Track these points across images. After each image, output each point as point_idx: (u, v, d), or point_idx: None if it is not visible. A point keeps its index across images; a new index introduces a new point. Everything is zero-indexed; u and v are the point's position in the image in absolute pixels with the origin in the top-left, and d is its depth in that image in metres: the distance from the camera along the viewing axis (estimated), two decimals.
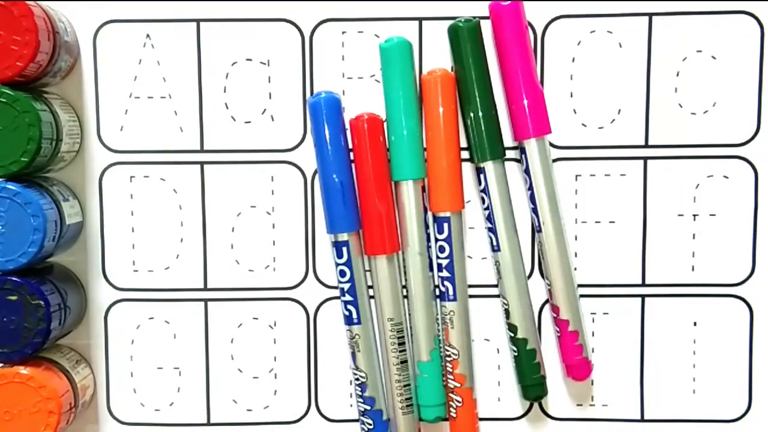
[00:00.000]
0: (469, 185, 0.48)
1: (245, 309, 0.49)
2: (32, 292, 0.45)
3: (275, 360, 0.49)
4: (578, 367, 0.48)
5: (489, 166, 0.47)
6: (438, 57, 0.48)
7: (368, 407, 0.48)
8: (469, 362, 0.48)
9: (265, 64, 0.48)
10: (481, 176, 0.47)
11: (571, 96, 0.48)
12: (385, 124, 0.47)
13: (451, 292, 0.48)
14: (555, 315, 0.48)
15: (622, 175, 0.48)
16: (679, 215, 0.49)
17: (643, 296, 0.49)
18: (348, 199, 0.47)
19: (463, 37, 0.47)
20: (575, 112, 0.48)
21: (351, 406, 0.50)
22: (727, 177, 0.48)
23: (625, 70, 0.48)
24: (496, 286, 0.49)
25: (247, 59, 0.48)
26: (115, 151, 0.49)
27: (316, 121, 0.47)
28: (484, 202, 0.48)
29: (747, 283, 0.49)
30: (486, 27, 0.47)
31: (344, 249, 0.47)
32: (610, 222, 0.49)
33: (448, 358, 0.48)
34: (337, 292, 0.49)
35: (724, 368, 0.49)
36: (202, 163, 0.49)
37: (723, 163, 0.48)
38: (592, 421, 0.50)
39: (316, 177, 0.48)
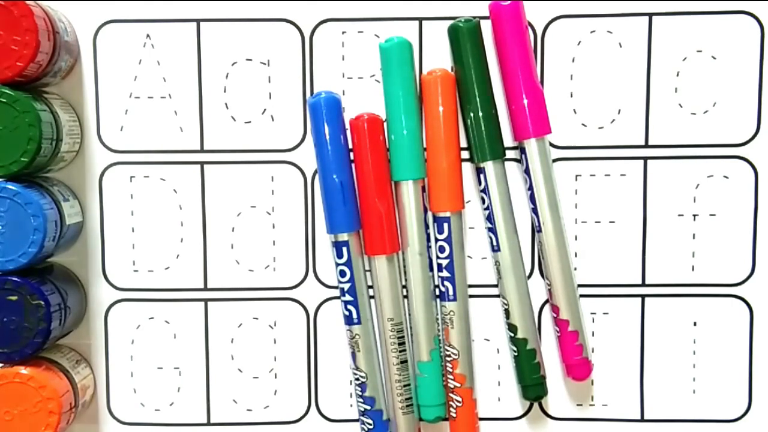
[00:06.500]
0: (469, 185, 0.48)
1: (245, 309, 0.49)
2: (32, 292, 0.45)
3: (275, 360, 0.49)
4: (578, 367, 0.48)
5: (489, 166, 0.47)
6: (438, 57, 0.48)
7: (368, 407, 0.48)
8: (469, 362, 0.48)
9: (265, 64, 0.48)
10: (481, 176, 0.47)
11: (571, 96, 0.48)
12: (385, 124, 0.47)
13: (451, 292, 0.48)
14: (555, 315, 0.48)
15: (622, 175, 0.48)
16: (679, 215, 0.49)
17: (643, 296, 0.49)
18: (348, 199, 0.47)
19: (463, 37, 0.47)
20: (575, 112, 0.48)
21: (351, 406, 0.50)
22: (727, 177, 0.48)
23: (625, 70, 0.48)
24: (496, 286, 0.49)
25: (247, 59, 0.48)
26: (115, 151, 0.49)
27: (316, 121, 0.47)
28: (484, 202, 0.48)
29: (747, 283, 0.49)
30: (486, 27, 0.47)
31: (344, 249, 0.47)
32: (610, 222, 0.49)
33: (448, 358, 0.48)
34: (337, 292, 0.49)
35: (724, 368, 0.49)
36: (202, 163, 0.49)
37: (723, 163, 0.48)
38: (592, 421, 0.50)
39: (316, 177, 0.48)
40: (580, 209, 0.49)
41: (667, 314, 0.49)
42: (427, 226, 0.48)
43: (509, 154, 0.48)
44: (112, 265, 0.49)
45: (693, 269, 0.49)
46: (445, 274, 0.48)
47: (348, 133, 0.47)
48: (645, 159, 0.48)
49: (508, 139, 0.48)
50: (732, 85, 0.48)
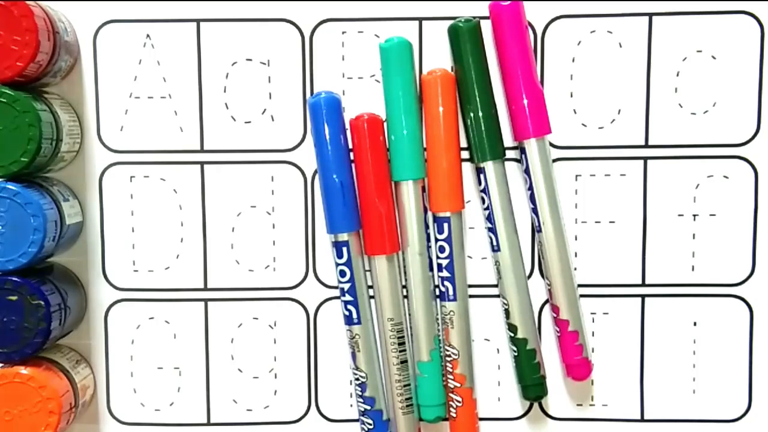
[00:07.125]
0: (469, 185, 0.48)
1: (245, 309, 0.49)
2: (32, 292, 0.45)
3: (275, 360, 0.49)
4: (578, 367, 0.48)
5: (489, 166, 0.47)
6: (438, 57, 0.48)
7: (368, 407, 0.48)
8: (469, 362, 0.48)
9: (265, 64, 0.48)
10: (481, 176, 0.47)
11: (571, 96, 0.48)
12: (385, 124, 0.47)
13: (451, 292, 0.48)
14: (555, 315, 0.48)
15: (622, 175, 0.48)
16: (679, 215, 0.49)
17: (643, 296, 0.49)
18: (348, 199, 0.47)
19: (463, 37, 0.47)
20: (575, 112, 0.48)
21: (351, 406, 0.50)
22: (727, 177, 0.48)
23: (625, 70, 0.48)
24: (496, 286, 0.49)
25: (247, 59, 0.48)
26: (115, 151, 0.49)
27: (316, 121, 0.47)
28: (484, 202, 0.48)
29: (747, 283, 0.49)
30: (486, 27, 0.47)
31: (344, 249, 0.47)
32: (610, 222, 0.49)
33: (448, 358, 0.48)
34: (337, 292, 0.49)
35: (724, 368, 0.49)
36: (202, 163, 0.49)
37: (723, 163, 0.48)
38: (592, 421, 0.50)
39: (316, 177, 0.48)
40: (580, 209, 0.49)
41: (667, 314, 0.49)
42: (427, 226, 0.48)
43: (509, 154, 0.48)
44: (112, 265, 0.49)
45: (693, 269, 0.49)
46: (445, 274, 0.48)
47: (348, 133, 0.47)
48: (645, 159, 0.48)
49: (508, 139, 0.48)
50: (732, 85, 0.48)
